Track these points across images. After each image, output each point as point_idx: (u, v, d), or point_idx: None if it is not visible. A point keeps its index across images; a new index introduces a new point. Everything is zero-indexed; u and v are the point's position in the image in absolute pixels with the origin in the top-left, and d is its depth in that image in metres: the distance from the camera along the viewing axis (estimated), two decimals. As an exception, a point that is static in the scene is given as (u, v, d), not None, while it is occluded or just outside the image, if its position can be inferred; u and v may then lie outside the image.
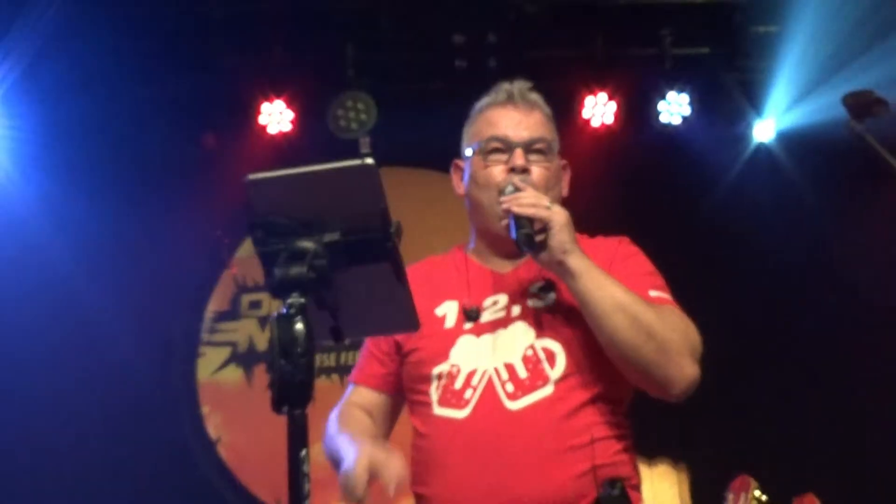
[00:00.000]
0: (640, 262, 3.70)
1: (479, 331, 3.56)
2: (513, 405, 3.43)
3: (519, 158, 3.60)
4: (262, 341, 7.93)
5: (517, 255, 3.61)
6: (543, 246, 3.39)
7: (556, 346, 3.49)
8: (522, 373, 3.47)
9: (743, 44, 7.87)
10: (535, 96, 3.76)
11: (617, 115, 7.82)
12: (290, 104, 7.81)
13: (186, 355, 8.04)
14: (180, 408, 7.97)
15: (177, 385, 8.02)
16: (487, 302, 3.58)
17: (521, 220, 3.39)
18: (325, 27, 7.82)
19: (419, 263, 3.82)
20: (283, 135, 7.82)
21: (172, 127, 7.88)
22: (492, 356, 3.50)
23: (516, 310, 3.55)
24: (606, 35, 7.78)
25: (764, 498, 5.81)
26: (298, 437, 2.70)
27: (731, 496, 5.84)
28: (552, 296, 3.56)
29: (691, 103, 7.68)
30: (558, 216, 3.40)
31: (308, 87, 7.84)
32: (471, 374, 3.50)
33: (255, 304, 7.92)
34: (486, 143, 3.65)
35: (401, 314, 3.00)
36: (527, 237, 3.37)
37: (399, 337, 3.63)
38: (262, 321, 7.84)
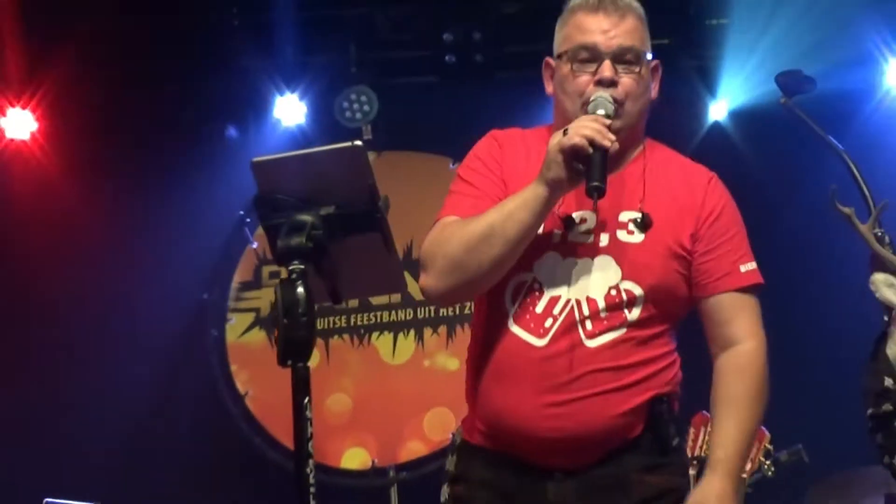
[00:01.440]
0: (735, 224, 3.45)
1: (565, 251, 3.27)
2: (590, 343, 3.22)
3: (607, 70, 3.25)
4: (275, 308, 7.88)
5: None
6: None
7: (637, 290, 3.25)
8: (603, 311, 3.23)
9: (698, 35, 7.85)
10: (630, 1, 3.39)
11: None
12: (301, 98, 7.81)
13: (216, 321, 8.03)
14: (213, 366, 7.96)
15: (209, 347, 8.01)
16: (576, 216, 3.26)
17: (595, 165, 3.09)
18: (331, 30, 7.88)
19: (507, 133, 3.51)
20: (297, 126, 7.82)
21: (199, 120, 7.93)
22: (576, 286, 3.24)
23: (604, 239, 3.26)
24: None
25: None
26: (301, 386, 2.73)
27: (692, 430, 5.83)
28: (642, 234, 3.28)
29: (658, 86, 7.56)
30: None
31: (317, 84, 7.82)
32: (553, 301, 3.24)
33: (275, 275, 7.87)
34: (575, 51, 3.29)
35: (390, 278, 3.03)
36: (596, 190, 3.09)
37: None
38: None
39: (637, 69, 3.33)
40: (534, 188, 3.15)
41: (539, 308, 3.25)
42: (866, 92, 7.57)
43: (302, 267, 2.71)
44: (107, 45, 7.66)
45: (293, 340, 2.70)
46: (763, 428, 5.82)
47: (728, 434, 3.30)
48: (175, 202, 7.79)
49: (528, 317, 3.26)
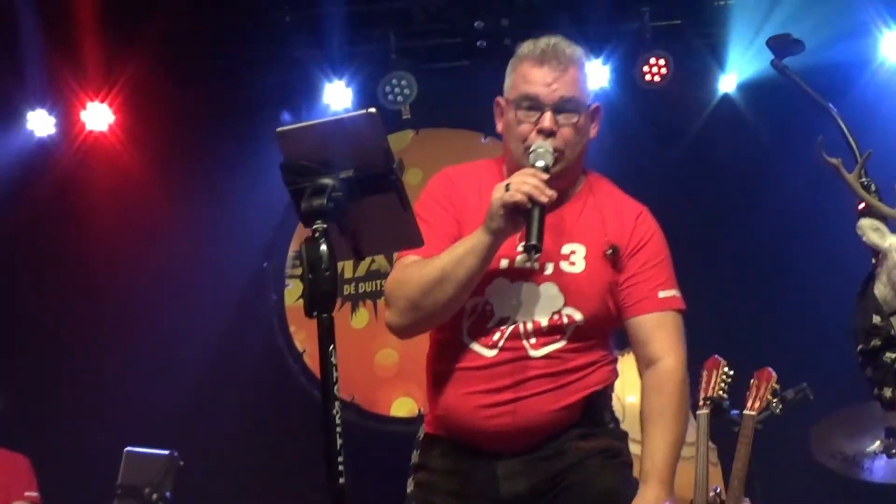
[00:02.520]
0: (658, 254, 3.50)
1: (513, 277, 3.35)
2: (533, 353, 3.32)
3: (547, 121, 3.30)
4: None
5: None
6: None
7: (577, 315, 3.32)
8: (546, 329, 3.32)
9: (707, 14, 7.83)
10: (569, 51, 3.40)
11: (607, 79, 7.76)
12: (348, 85, 7.79)
13: (276, 287, 8.06)
14: (273, 328, 7.99)
15: (270, 310, 8.05)
16: (520, 247, 3.29)
17: (532, 225, 3.15)
18: (373, 22, 7.87)
19: (476, 166, 3.60)
20: (344, 110, 7.73)
21: (257, 108, 7.96)
22: (523, 309, 3.32)
23: (549, 268, 3.34)
24: (597, 15, 7.69)
25: (731, 372, 5.76)
26: (326, 335, 2.70)
27: (705, 373, 5.78)
28: (582, 263, 3.36)
29: (669, 65, 7.58)
30: None
31: (361, 71, 7.82)
32: (503, 320, 3.33)
33: (325, 244, 7.94)
34: (519, 100, 3.34)
35: (407, 234, 2.98)
36: (533, 250, 3.15)
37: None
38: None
39: (576, 119, 3.34)
40: (479, 236, 3.22)
41: (490, 325, 3.35)
42: (862, 63, 7.48)
43: (324, 226, 2.69)
44: (175, 43, 7.77)
45: (318, 294, 2.66)
46: (770, 368, 5.79)
47: (656, 447, 3.36)
48: (237, 183, 7.88)
49: (480, 332, 3.35)
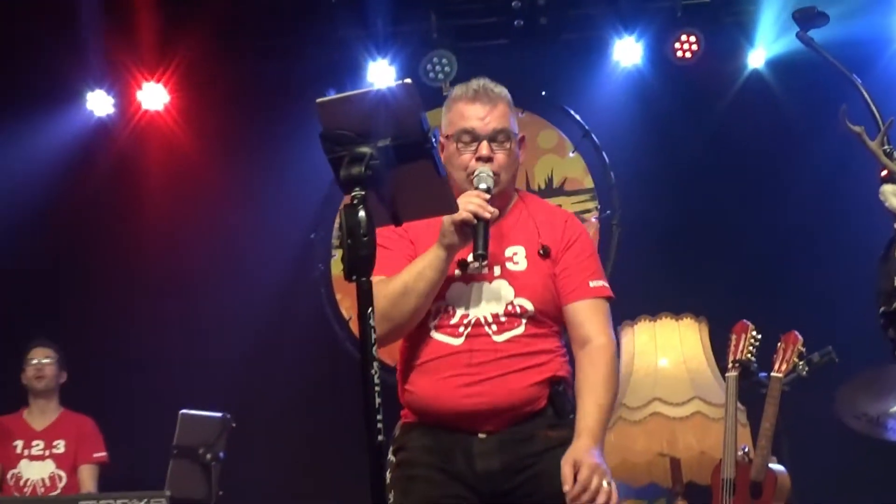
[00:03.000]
0: (585, 249, 3.75)
1: (467, 280, 3.60)
2: (496, 338, 3.56)
3: (485, 149, 3.61)
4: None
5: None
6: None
7: (528, 305, 3.59)
8: (503, 318, 3.57)
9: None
10: (497, 90, 3.71)
11: (640, 56, 7.73)
12: (391, 63, 7.77)
13: (323, 257, 8.05)
14: (321, 295, 7.99)
15: (317, 279, 8.05)
16: (470, 257, 3.52)
17: (479, 236, 3.45)
18: (414, 3, 7.84)
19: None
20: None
21: (305, 86, 7.88)
22: (480, 304, 3.58)
23: (497, 270, 3.62)
24: (631, -7, 7.73)
25: (759, 336, 5.73)
26: (365, 298, 2.72)
27: (734, 337, 5.76)
28: (524, 262, 3.65)
29: (699, 42, 7.55)
30: None
31: (404, 50, 7.81)
32: (464, 316, 3.58)
33: (370, 216, 7.97)
34: (458, 134, 3.65)
35: (442, 200, 3.04)
36: (481, 258, 3.45)
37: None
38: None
39: (507, 145, 3.65)
40: (435, 251, 3.51)
41: (453, 321, 3.58)
42: (885, 40, 7.42)
43: (362, 193, 2.71)
44: (226, 24, 7.77)
45: (356, 258, 2.69)
46: (796, 332, 5.75)
47: (588, 411, 3.50)
48: (285, 159, 7.87)
49: (444, 326, 3.58)
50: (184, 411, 6.42)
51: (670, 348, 6.16)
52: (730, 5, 7.80)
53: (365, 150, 2.74)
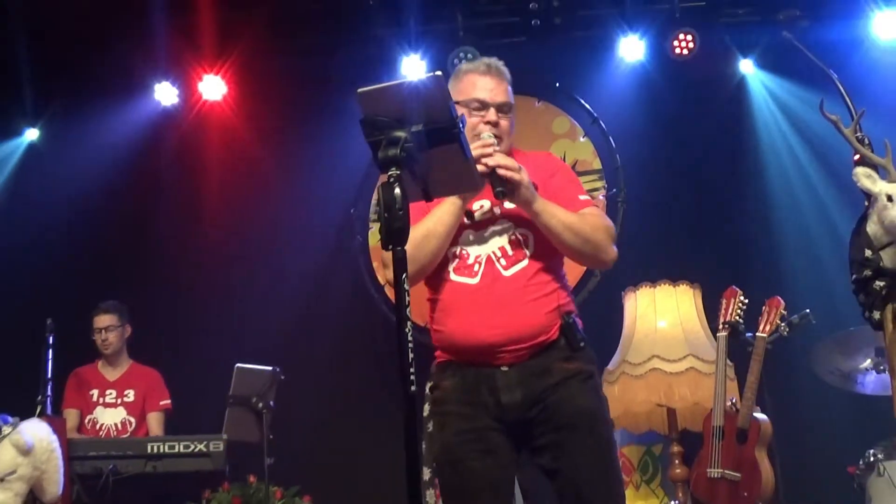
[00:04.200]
0: (568, 174, 3.89)
1: (475, 227, 3.65)
2: (506, 273, 3.58)
3: (493, 115, 3.69)
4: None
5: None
6: (509, 195, 3.51)
7: (527, 232, 3.63)
8: (510, 251, 3.61)
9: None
10: (504, 69, 3.82)
11: (643, 52, 7.68)
12: (422, 59, 7.70)
13: (361, 229, 7.98)
14: (359, 264, 7.94)
15: (357, 249, 7.99)
16: (475, 206, 3.65)
17: (494, 179, 3.47)
18: (443, 4, 7.81)
19: None
20: (419, 80, 7.74)
21: (345, 79, 7.86)
22: (489, 243, 3.62)
23: (497, 210, 3.66)
24: (632, -6, 7.72)
25: (746, 301, 5.73)
26: (399, 265, 2.73)
27: (724, 301, 5.76)
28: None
29: (695, 40, 7.50)
30: (524, 177, 3.52)
31: (433, 46, 7.75)
32: (477, 257, 3.61)
33: (403, 193, 7.96)
34: (469, 101, 3.71)
35: (468, 179, 3.06)
36: (501, 193, 3.48)
37: None
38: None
39: (510, 116, 3.76)
40: (451, 199, 3.55)
41: (469, 261, 3.62)
42: (856, 41, 7.37)
43: (398, 172, 2.73)
44: (276, 24, 7.75)
45: (392, 230, 2.71)
46: (779, 297, 5.76)
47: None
48: (328, 143, 7.81)
49: (461, 268, 3.62)
50: (239, 365, 6.44)
51: (668, 311, 6.17)
52: (722, 7, 7.73)
53: (400, 134, 2.76)
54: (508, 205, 3.64)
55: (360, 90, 2.82)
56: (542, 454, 3.53)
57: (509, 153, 3.71)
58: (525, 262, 3.60)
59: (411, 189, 2.80)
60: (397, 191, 2.70)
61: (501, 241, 3.62)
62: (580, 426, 3.49)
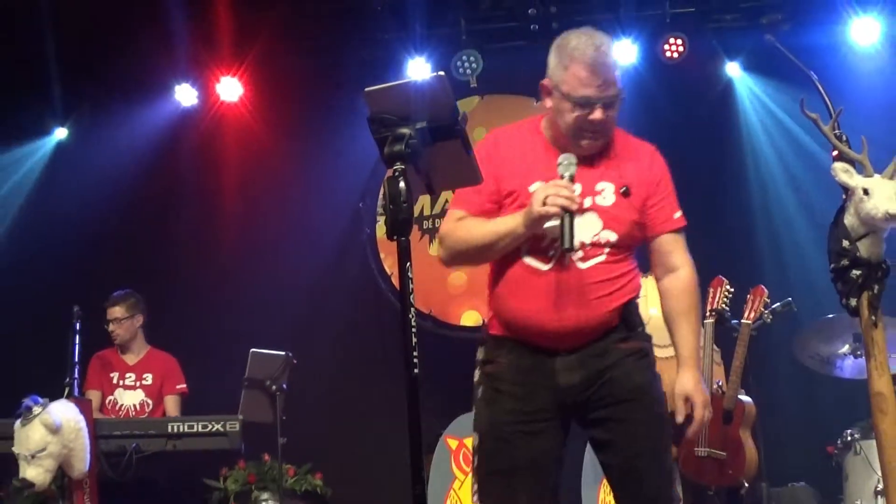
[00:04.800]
0: (669, 185, 3.54)
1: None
2: (582, 265, 3.34)
3: (598, 114, 3.32)
4: (415, 211, 7.88)
5: (581, 155, 3.36)
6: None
7: (613, 236, 3.36)
8: (588, 247, 3.35)
9: (717, 3, 7.71)
10: (612, 57, 3.39)
11: (636, 55, 7.65)
12: (427, 61, 7.68)
13: (369, 222, 7.99)
14: (367, 255, 7.95)
15: (365, 241, 8.00)
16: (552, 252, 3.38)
17: (565, 230, 3.19)
18: (447, 9, 7.80)
19: (517, 129, 3.60)
20: (424, 81, 7.73)
21: (354, 80, 7.85)
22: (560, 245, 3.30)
23: (587, 202, 3.35)
24: (627, 2, 7.65)
25: (732, 289, 5.73)
26: (404, 255, 2.72)
27: (711, 290, 5.77)
28: (612, 198, 3.39)
29: (685, 44, 7.49)
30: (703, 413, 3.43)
31: (437, 49, 7.74)
32: (554, 240, 3.30)
33: (410, 187, 7.97)
34: (575, 98, 3.32)
35: (469, 173, 2.98)
36: (569, 251, 3.25)
37: (505, 200, 3.44)
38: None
39: (616, 106, 3.37)
40: (516, 226, 3.31)
41: (544, 244, 3.35)
42: (835, 45, 7.37)
43: (403, 167, 2.72)
44: (289, 28, 7.75)
45: (397, 221, 2.69)
46: (763, 286, 5.77)
47: (685, 338, 3.47)
48: (338, 140, 7.80)
49: (536, 250, 3.37)
50: (254, 350, 6.44)
51: (657, 300, 6.17)
52: (711, 13, 7.72)
53: (405, 131, 2.73)
54: (606, 198, 3.39)
55: (366, 89, 2.80)
56: (595, 427, 3.40)
57: (611, 140, 3.45)
58: (602, 258, 3.37)
59: (415, 183, 2.80)
60: (402, 184, 2.69)
61: (585, 234, 3.34)
62: (636, 402, 3.35)
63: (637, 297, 3.47)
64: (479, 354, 3.56)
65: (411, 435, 2.70)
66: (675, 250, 3.50)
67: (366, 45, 7.85)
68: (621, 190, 3.40)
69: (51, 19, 7.41)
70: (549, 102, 3.45)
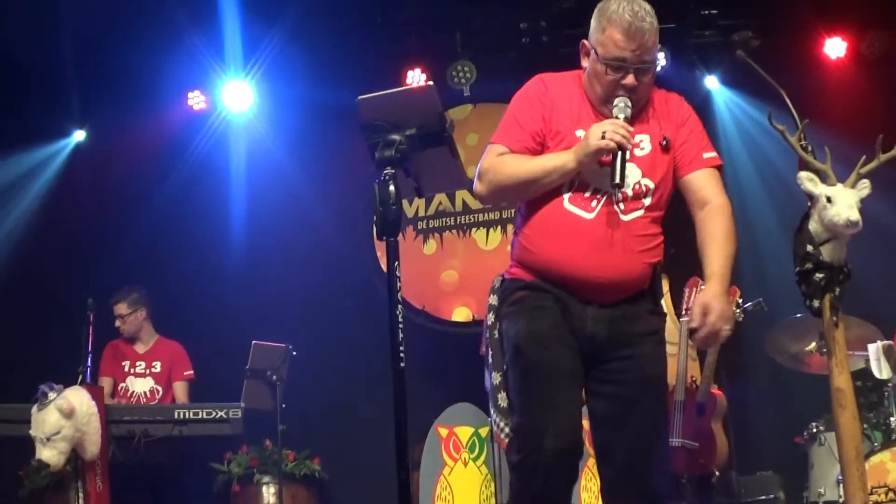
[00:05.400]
0: (697, 125, 3.41)
1: (602, 164, 3.20)
2: (624, 217, 3.21)
3: (630, 79, 3.20)
4: (410, 212, 7.89)
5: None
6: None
7: (651, 184, 3.25)
8: (630, 197, 3.22)
9: (695, 20, 7.73)
10: (650, 20, 3.23)
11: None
12: (424, 72, 7.69)
13: (366, 223, 7.93)
14: (367, 255, 7.95)
15: (363, 241, 7.99)
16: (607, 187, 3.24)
17: (617, 167, 3.12)
18: (444, 25, 7.82)
19: (562, 77, 3.43)
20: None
21: (359, 91, 7.84)
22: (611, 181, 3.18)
23: (627, 154, 3.18)
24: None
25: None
26: (392, 253, 2.78)
27: (687, 290, 5.77)
28: (649, 147, 3.27)
29: (666, 58, 7.50)
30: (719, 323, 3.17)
31: (434, 60, 7.75)
32: (597, 190, 3.21)
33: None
34: (610, 60, 3.19)
35: (456, 177, 3.06)
36: (618, 186, 3.14)
37: (550, 141, 3.28)
38: (409, 201, 7.76)
39: (650, 74, 3.27)
40: (569, 162, 3.17)
41: (587, 194, 3.23)
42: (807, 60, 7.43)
43: (393, 171, 2.74)
44: (294, 41, 7.69)
45: (387, 222, 2.72)
46: (735, 286, 5.77)
47: (714, 257, 3.24)
48: (340, 147, 7.75)
49: (579, 199, 3.23)
50: (256, 342, 6.49)
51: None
52: (690, 29, 7.73)
53: (395, 137, 2.76)
54: (639, 151, 3.26)
55: (359, 98, 2.83)
56: (599, 383, 3.25)
57: (649, 98, 3.32)
58: (641, 212, 3.24)
59: (405, 186, 2.82)
60: (392, 188, 2.70)
61: (626, 185, 3.20)
62: (649, 390, 3.22)
63: (662, 262, 3.37)
64: (497, 296, 3.44)
65: (397, 424, 2.72)
66: (707, 185, 3.33)
67: (367, 56, 7.81)
68: (661, 142, 3.29)
69: (69, 27, 7.40)
70: (585, 63, 3.34)
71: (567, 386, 3.19)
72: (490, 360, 3.48)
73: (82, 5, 6.99)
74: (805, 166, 3.33)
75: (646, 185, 3.24)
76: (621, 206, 3.21)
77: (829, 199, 3.26)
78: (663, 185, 3.29)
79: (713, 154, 3.37)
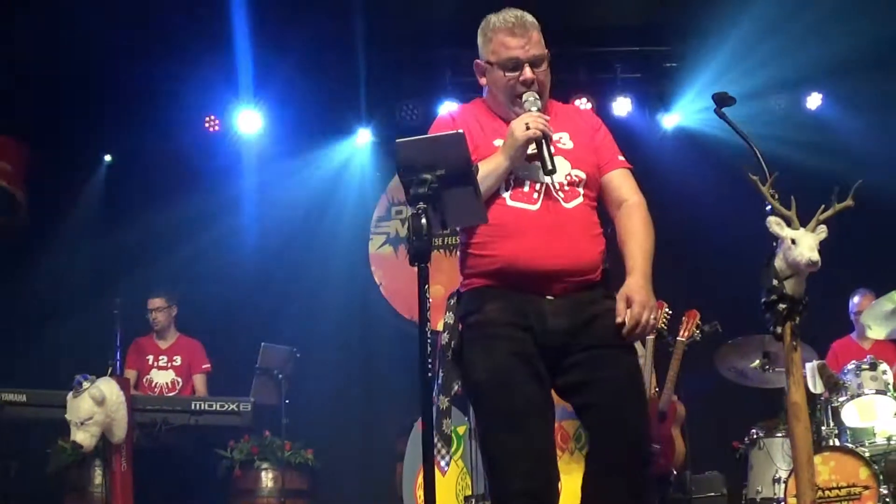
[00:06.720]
0: (608, 133, 3.33)
1: (529, 159, 3.09)
2: (567, 205, 3.09)
3: (528, 73, 3.13)
4: (402, 231, 7.89)
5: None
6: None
7: (582, 174, 3.13)
8: (566, 187, 3.10)
9: (659, 72, 7.88)
10: (530, 19, 3.16)
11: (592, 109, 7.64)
12: (414, 107, 7.73)
13: (363, 240, 8.07)
14: (361, 267, 8.01)
15: (360, 255, 8.05)
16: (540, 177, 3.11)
17: (543, 156, 3.01)
18: (435, 64, 7.84)
19: (466, 107, 3.37)
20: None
21: (354, 119, 7.92)
22: (544, 175, 3.08)
23: (552, 149, 3.06)
24: (586, 67, 7.79)
25: (670, 312, 5.83)
26: (423, 278, 2.76)
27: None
28: (571, 143, 3.19)
29: (631, 103, 7.64)
30: (648, 315, 3.02)
31: (427, 97, 7.78)
32: (533, 184, 3.09)
33: (399, 212, 7.98)
34: (503, 63, 3.13)
35: (477, 214, 2.99)
36: (550, 172, 3.03)
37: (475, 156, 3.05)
38: (403, 221, 7.84)
39: (543, 66, 3.18)
40: (500, 162, 3.07)
41: (525, 189, 3.11)
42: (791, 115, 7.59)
43: (424, 206, 2.74)
44: (299, 73, 7.70)
45: (418, 251, 2.72)
46: (695, 310, 5.88)
47: (634, 252, 3.12)
48: (340, 173, 7.90)
49: (519, 194, 3.10)
50: (264, 344, 6.54)
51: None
52: (654, 80, 7.86)
53: (427, 176, 2.76)
54: (566, 143, 3.17)
55: (398, 140, 2.81)
56: (573, 370, 3.04)
57: (547, 105, 3.22)
58: (581, 200, 3.12)
59: (433, 220, 2.84)
60: (423, 220, 2.71)
61: (559, 177, 3.09)
62: (622, 348, 3.04)
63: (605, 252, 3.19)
64: (453, 313, 3.22)
65: (424, 416, 2.80)
66: (624, 185, 3.23)
67: (364, 88, 7.75)
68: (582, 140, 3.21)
69: (96, 61, 7.36)
70: (483, 80, 3.27)
71: (535, 422, 3.01)
72: (440, 380, 3.33)
73: (110, 43, 7.00)
74: (773, 212, 3.42)
75: (577, 176, 3.13)
76: (561, 194, 3.09)
77: (793, 241, 3.35)
78: (593, 178, 3.18)
79: (623, 158, 3.30)
